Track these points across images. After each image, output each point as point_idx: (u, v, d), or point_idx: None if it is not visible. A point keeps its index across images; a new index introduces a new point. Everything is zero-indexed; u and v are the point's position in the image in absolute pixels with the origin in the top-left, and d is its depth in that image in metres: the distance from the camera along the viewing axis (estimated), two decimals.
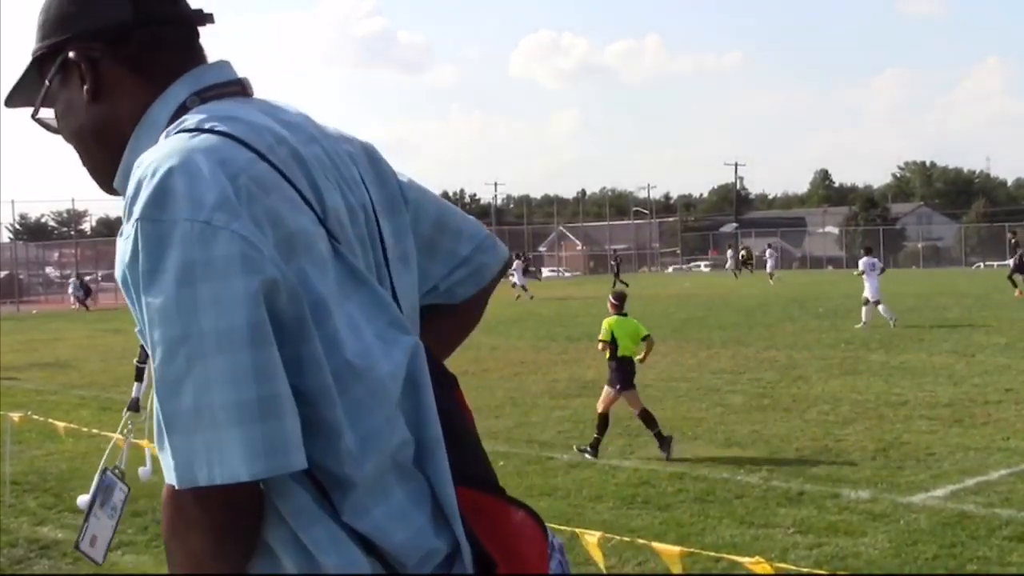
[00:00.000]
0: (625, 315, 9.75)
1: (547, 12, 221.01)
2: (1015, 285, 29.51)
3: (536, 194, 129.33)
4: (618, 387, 9.32)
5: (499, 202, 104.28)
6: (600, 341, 9.60)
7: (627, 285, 39.49)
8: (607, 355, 9.49)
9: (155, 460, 1.75)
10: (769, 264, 47.04)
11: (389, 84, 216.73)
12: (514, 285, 37.24)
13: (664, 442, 9.15)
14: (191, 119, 1.40)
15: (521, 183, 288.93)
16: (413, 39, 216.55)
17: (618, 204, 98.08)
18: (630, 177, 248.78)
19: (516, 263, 41.54)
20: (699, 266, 75.89)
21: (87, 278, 46.05)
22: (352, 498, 1.33)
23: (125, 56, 1.50)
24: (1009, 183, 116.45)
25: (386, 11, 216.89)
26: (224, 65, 1.56)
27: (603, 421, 9.39)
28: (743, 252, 56.45)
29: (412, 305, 1.58)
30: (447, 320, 1.75)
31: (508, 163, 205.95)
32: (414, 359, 1.40)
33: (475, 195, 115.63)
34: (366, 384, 1.33)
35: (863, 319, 21.02)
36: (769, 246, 53.08)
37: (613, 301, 9.94)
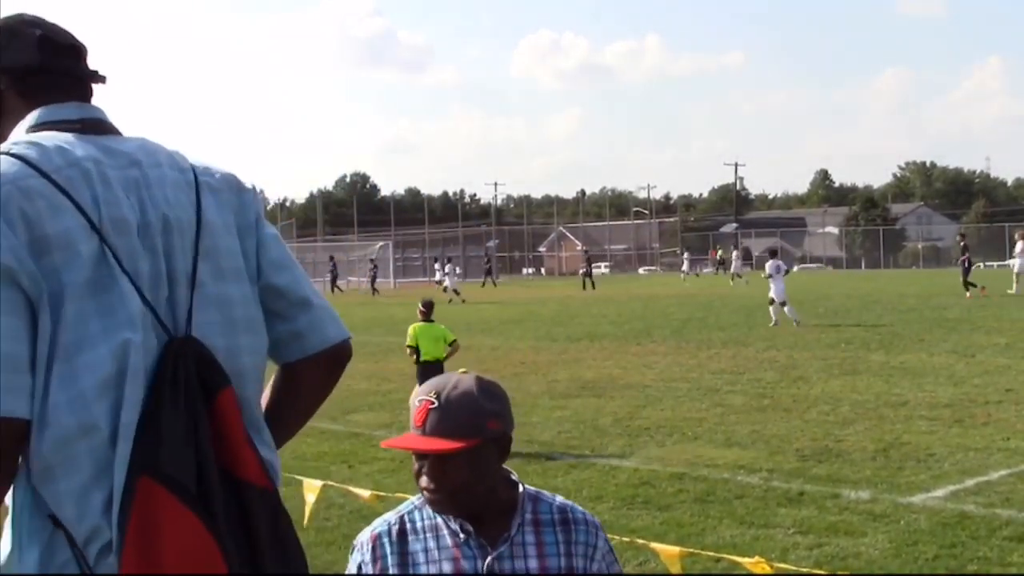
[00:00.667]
0: (431, 322, 10.62)
1: (548, 12, 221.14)
2: (968, 288, 29.61)
3: (536, 194, 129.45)
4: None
5: (499, 202, 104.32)
6: (407, 347, 10.49)
7: (595, 288, 39.43)
8: (413, 359, 10.45)
9: None
10: (735, 265, 46.45)
11: (390, 84, 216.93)
12: (445, 289, 37.38)
13: None
14: (9, 143, 1.74)
15: (521, 183, 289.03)
16: (414, 40, 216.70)
17: (618, 204, 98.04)
18: (630, 177, 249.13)
19: (448, 266, 41.91)
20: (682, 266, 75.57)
21: None
22: (41, 465, 1.58)
23: (23, 90, 1.87)
24: (1009, 183, 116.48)
25: (387, 12, 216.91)
26: (78, 106, 1.89)
27: None
28: (721, 252, 56.30)
29: (231, 312, 1.81)
30: (281, 378, 2.02)
31: (508, 163, 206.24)
32: (124, 354, 1.61)
33: (475, 195, 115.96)
34: (68, 365, 1.58)
35: (772, 318, 22.08)
36: (735, 248, 52.95)
37: (421, 308, 10.72)
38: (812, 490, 7.81)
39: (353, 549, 2.11)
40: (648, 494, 7.89)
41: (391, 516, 2.13)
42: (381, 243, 58.90)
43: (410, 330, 10.55)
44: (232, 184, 2.00)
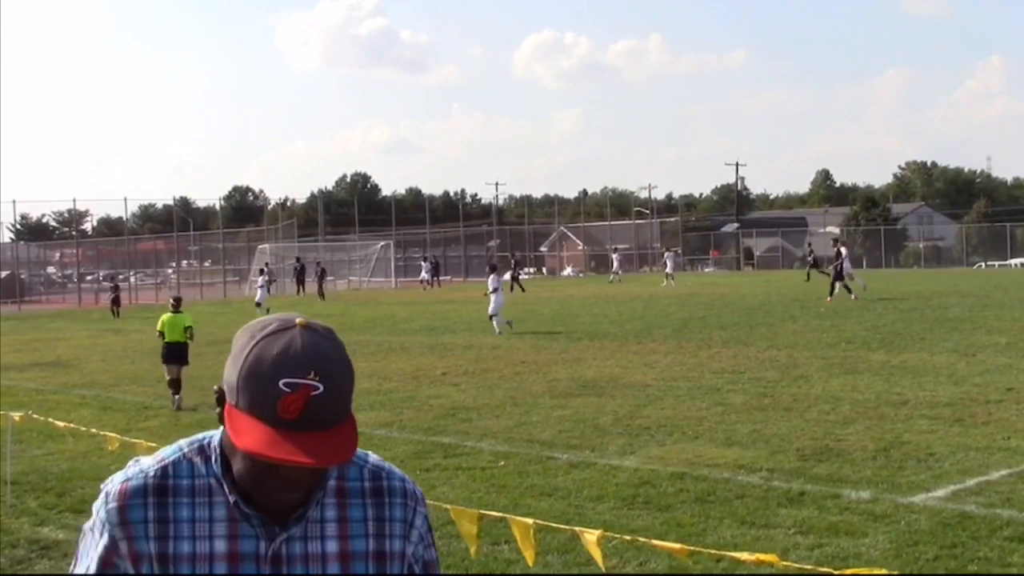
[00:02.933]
0: (179, 313, 14.15)
1: (550, 11, 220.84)
2: (831, 292, 28.58)
3: (537, 194, 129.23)
4: (164, 363, 13.77)
5: (500, 202, 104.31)
6: (158, 332, 14.10)
7: (524, 291, 39.69)
8: (161, 340, 13.95)
9: None
10: (669, 266, 45.85)
11: (391, 84, 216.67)
12: (422, 281, 37.72)
13: (176, 403, 13.29)
14: None
15: (522, 183, 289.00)
16: (416, 39, 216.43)
17: (619, 204, 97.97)
18: (632, 177, 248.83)
19: (425, 264, 42.19)
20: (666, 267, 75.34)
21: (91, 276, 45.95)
22: None
23: None
24: (1010, 182, 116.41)
25: (388, 11, 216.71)
26: None
27: (171, 384, 13.51)
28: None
29: None
30: None
31: (510, 163, 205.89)
32: None
33: (476, 195, 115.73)
34: None
35: (496, 330, 22.23)
36: (667, 250, 52.04)
37: (172, 302, 14.46)
38: (813, 490, 7.80)
39: (98, 507, 1.63)
40: (649, 494, 7.88)
41: (150, 464, 1.64)
42: (382, 243, 58.89)
43: (162, 318, 14.13)
44: None
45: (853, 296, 28.44)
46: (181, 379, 13.48)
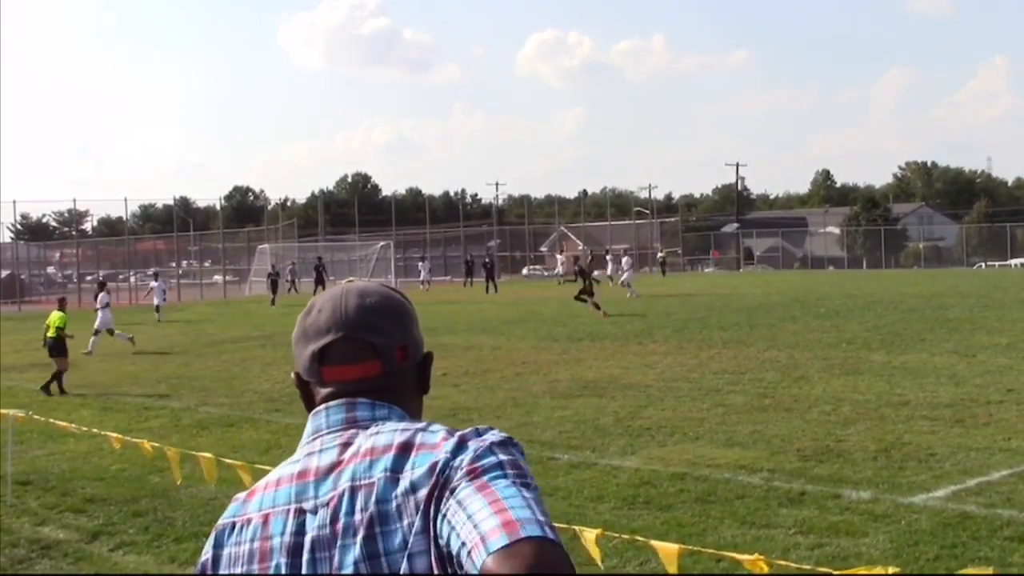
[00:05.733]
0: (63, 311, 16.56)
1: (553, 11, 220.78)
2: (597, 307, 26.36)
3: (538, 194, 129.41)
4: (54, 356, 15.65)
5: (500, 202, 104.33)
6: (48, 326, 16.04)
7: (496, 291, 39.92)
8: (46, 335, 16.13)
9: None
10: (610, 268, 45.24)
11: (393, 83, 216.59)
12: (422, 282, 37.24)
13: (48, 390, 15.04)
14: None
15: (523, 183, 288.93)
16: (418, 38, 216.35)
17: (619, 204, 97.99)
18: (632, 177, 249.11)
19: (424, 264, 41.88)
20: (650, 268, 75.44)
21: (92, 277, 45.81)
22: None
23: None
24: (1010, 183, 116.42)
25: (391, 10, 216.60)
26: None
27: (56, 379, 15.22)
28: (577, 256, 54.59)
29: None
30: None
31: (510, 163, 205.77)
32: None
33: (476, 195, 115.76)
34: None
35: (89, 348, 21.57)
36: (607, 251, 50.40)
37: (59, 302, 17.40)
38: (813, 490, 7.81)
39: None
40: (649, 494, 7.89)
41: None
42: (382, 243, 58.90)
43: (50, 316, 16.38)
44: None
45: (602, 312, 25.97)
46: (59, 369, 15.43)
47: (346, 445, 1.45)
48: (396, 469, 1.38)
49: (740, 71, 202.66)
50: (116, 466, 9.61)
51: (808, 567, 4.91)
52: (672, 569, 4.29)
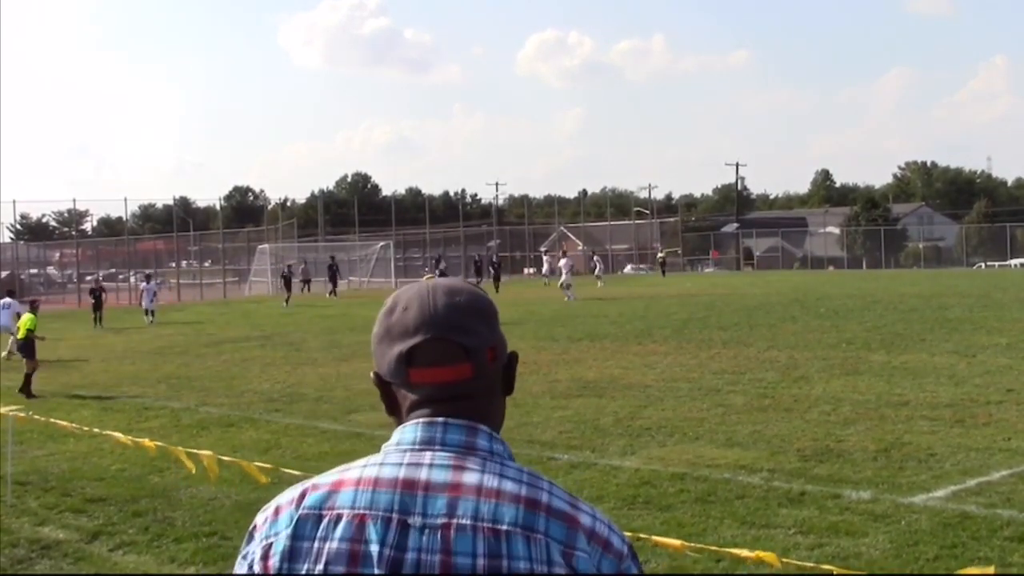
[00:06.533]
0: (35, 313, 16.84)
1: (554, 11, 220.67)
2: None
3: (538, 194, 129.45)
4: (25, 358, 15.75)
5: (500, 202, 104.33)
6: (25, 328, 16.14)
7: (481, 284, 39.85)
8: (19, 336, 16.45)
9: None
10: (545, 268, 44.90)
11: (393, 83, 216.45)
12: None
13: (24, 394, 14.88)
14: None
15: (523, 183, 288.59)
16: (419, 38, 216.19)
17: (619, 204, 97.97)
18: (632, 177, 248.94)
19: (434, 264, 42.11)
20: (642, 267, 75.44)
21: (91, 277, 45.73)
22: None
23: None
24: (1010, 183, 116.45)
25: (391, 10, 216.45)
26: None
27: (27, 381, 15.27)
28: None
29: None
30: None
31: (510, 163, 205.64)
32: None
33: (476, 195, 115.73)
34: None
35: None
36: (564, 254, 48.97)
37: (30, 304, 17.98)
38: (813, 490, 7.81)
39: None
40: (649, 494, 7.89)
41: None
42: (382, 243, 58.88)
43: (22, 318, 16.64)
44: None
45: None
46: (29, 370, 15.58)
47: (461, 469, 1.39)
48: (529, 527, 1.34)
49: (740, 71, 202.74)
50: (116, 466, 9.61)
51: (810, 566, 4.91)
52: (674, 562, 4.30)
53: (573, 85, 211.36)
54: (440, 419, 1.43)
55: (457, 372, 1.43)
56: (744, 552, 4.47)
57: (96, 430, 9.25)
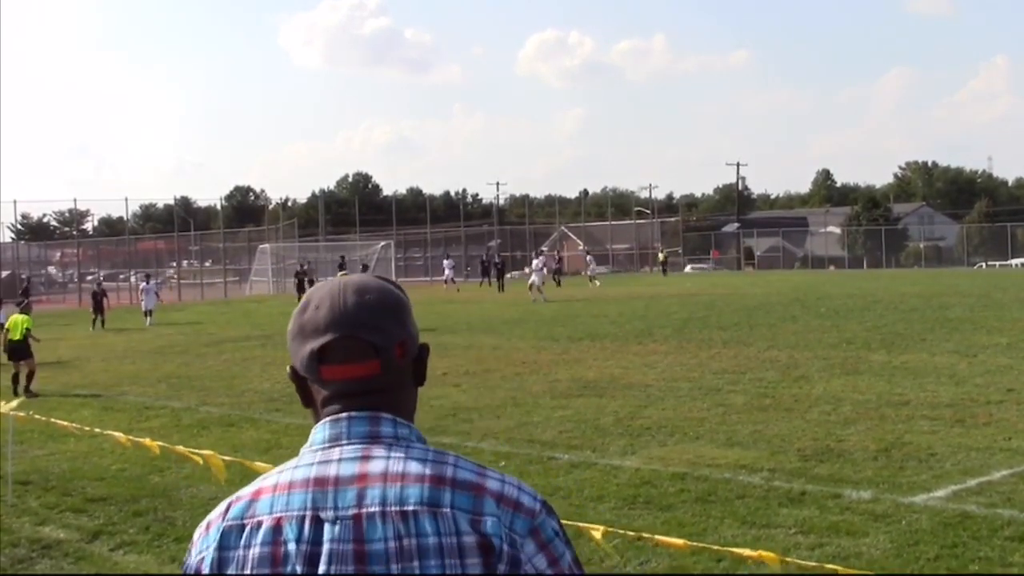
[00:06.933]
0: (27, 314, 16.07)
1: (554, 11, 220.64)
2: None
3: (538, 194, 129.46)
4: (21, 358, 15.36)
5: (501, 202, 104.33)
6: (5, 328, 15.78)
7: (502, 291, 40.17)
8: (7, 338, 15.62)
9: None
10: (534, 276, 44.72)
11: (393, 83, 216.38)
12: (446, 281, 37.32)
13: (28, 393, 14.62)
14: None
15: (523, 183, 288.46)
16: (419, 38, 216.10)
17: (620, 204, 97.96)
18: (633, 177, 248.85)
19: (448, 262, 41.87)
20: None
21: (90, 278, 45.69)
22: None
23: None
24: (1011, 183, 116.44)
25: (392, 10, 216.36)
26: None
27: (13, 378, 15.14)
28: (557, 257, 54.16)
29: None
30: None
31: (511, 163, 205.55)
32: None
33: (477, 195, 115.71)
34: None
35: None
36: (536, 254, 48.90)
37: (20, 305, 16.89)
38: (814, 490, 7.81)
39: None
40: (650, 494, 7.89)
41: None
42: (383, 242, 58.90)
43: (12, 318, 16.00)
44: None
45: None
46: (19, 373, 15.28)
47: (367, 459, 1.44)
48: (435, 503, 1.40)
49: (740, 71, 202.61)
50: (116, 466, 9.61)
51: (811, 565, 4.91)
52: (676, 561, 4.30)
53: (573, 85, 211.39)
54: (344, 415, 1.49)
55: (366, 368, 1.49)
56: (745, 552, 4.46)
57: (96, 430, 9.24)
